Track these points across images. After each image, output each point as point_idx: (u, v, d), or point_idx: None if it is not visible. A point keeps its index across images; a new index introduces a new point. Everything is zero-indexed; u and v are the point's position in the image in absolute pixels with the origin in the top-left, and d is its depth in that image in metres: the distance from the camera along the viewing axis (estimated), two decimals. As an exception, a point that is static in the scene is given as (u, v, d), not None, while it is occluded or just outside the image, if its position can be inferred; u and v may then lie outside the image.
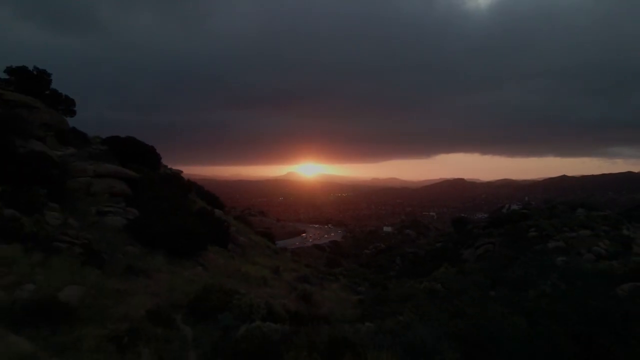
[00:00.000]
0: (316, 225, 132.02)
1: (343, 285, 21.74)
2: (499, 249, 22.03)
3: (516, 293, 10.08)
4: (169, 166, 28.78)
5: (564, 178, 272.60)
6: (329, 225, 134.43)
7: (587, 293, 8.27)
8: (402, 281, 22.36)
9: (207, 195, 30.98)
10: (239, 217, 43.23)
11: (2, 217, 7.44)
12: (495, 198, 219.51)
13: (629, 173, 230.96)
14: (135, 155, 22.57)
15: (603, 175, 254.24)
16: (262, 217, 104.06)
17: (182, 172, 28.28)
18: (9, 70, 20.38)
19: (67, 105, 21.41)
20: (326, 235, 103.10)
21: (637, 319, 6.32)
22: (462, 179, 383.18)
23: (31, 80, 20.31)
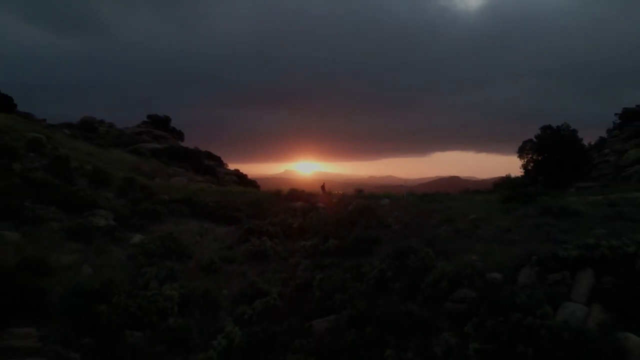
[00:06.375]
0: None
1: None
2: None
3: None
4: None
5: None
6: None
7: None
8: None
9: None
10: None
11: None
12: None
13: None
14: (210, 160, 39.38)
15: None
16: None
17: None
18: (148, 116, 37.12)
19: (179, 135, 38.24)
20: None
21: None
22: (457, 177, 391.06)
23: (160, 121, 37.05)
